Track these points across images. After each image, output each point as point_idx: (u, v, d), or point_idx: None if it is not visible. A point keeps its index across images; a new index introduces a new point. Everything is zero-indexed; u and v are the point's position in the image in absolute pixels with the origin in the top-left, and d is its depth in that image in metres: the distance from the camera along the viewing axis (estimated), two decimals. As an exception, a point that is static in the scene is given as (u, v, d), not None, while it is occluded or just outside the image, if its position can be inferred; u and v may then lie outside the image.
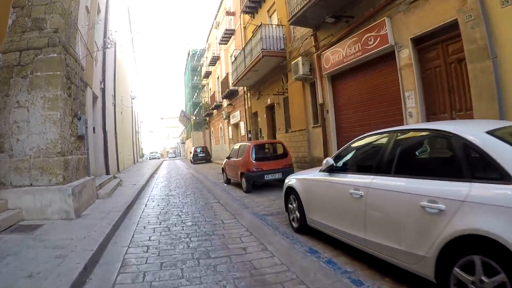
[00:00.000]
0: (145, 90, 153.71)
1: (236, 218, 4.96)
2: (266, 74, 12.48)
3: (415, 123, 5.46)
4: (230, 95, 18.72)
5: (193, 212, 5.61)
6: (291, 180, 4.11)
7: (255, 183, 7.78)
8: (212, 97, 23.71)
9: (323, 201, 3.29)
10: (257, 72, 12.34)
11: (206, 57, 28.44)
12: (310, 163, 9.22)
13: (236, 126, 19.29)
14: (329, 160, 3.19)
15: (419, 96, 5.51)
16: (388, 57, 6.29)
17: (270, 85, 12.47)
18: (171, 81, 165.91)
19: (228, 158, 9.67)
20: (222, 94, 19.67)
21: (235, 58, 14.33)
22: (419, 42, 5.54)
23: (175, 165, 24.10)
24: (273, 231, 4.05)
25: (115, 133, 15.29)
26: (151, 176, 13.93)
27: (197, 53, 31.00)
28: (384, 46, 6.06)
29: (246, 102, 15.98)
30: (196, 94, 31.70)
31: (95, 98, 10.43)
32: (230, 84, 17.71)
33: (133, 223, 4.98)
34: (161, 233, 4.32)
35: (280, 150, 8.68)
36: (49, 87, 4.81)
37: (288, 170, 8.06)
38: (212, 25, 24.60)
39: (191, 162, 25.09)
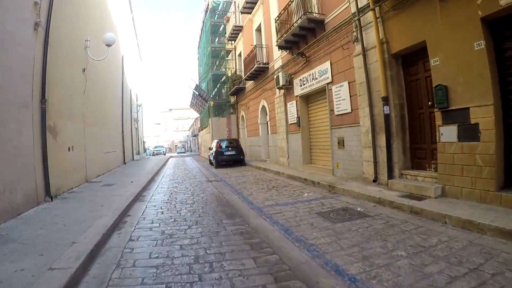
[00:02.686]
0: (151, 77, 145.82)
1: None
2: None
3: None
4: (302, 36, 9.34)
5: None
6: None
7: None
8: (249, 58, 14.33)
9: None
10: None
11: (234, 11, 19.09)
12: None
13: (308, 99, 9.92)
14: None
15: None
16: None
17: None
18: (181, 68, 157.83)
19: None
20: (278, 41, 10.27)
21: None
22: None
23: (185, 168, 14.94)
24: None
25: (42, 102, 6.15)
26: (118, 225, 4.70)
27: (220, 7, 21.65)
28: None
29: (370, 35, 6.58)
30: (217, 63, 22.37)
31: None
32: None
33: None
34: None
35: None
36: None
37: None
38: None
39: (211, 163, 15.92)
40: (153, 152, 38.81)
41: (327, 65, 8.34)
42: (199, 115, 33.25)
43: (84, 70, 9.23)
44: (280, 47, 10.42)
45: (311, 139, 10.01)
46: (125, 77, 18.28)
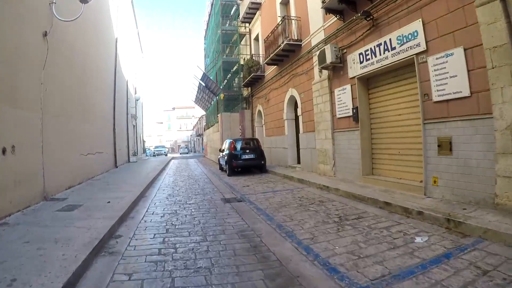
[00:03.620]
0: (154, 75, 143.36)
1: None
2: None
3: None
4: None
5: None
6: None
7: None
8: (273, 36, 11.25)
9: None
10: None
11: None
12: None
13: (371, 81, 6.82)
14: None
15: None
16: None
17: None
18: (185, 66, 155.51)
19: None
20: (325, 1, 7.25)
21: None
22: None
23: (189, 176, 11.94)
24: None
25: None
26: None
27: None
28: None
29: None
30: (227, 51, 19.36)
31: None
32: None
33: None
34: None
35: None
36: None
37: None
38: None
39: (221, 168, 12.94)
40: (154, 153, 35.81)
41: (415, 26, 5.30)
42: (204, 113, 30.28)
43: (45, 34, 6.25)
44: (329, 10, 7.37)
45: (374, 140, 6.96)
46: (120, 64, 15.34)
